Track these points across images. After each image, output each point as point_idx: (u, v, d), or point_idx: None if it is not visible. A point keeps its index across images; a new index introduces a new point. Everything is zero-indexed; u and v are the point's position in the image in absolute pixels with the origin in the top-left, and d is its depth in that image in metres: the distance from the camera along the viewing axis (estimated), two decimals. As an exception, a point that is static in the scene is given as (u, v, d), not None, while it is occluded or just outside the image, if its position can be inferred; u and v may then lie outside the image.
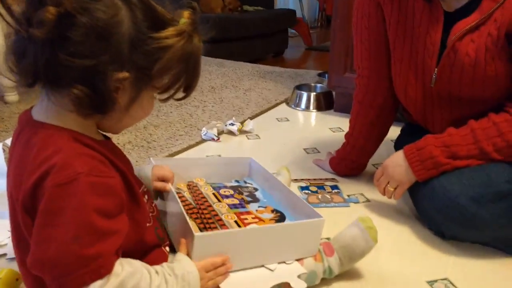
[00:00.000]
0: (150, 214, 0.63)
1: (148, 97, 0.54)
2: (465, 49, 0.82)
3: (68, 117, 0.49)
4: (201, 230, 0.70)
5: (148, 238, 0.61)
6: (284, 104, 1.85)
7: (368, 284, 0.75)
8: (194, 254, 0.61)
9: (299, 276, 0.67)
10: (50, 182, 0.45)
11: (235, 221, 0.74)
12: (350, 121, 1.12)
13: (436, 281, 0.76)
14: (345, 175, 1.16)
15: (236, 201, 0.83)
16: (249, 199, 0.85)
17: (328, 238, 0.77)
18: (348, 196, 1.07)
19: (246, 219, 0.76)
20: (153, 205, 0.67)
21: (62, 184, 0.45)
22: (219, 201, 0.82)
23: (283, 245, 0.69)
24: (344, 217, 0.91)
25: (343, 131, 1.37)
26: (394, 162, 0.90)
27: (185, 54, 0.51)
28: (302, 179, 1.15)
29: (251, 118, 1.64)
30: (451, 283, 0.75)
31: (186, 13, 0.52)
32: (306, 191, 1.08)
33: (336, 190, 1.09)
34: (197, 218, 0.74)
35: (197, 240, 0.61)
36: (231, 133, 1.48)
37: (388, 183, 0.92)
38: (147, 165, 0.78)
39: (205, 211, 0.76)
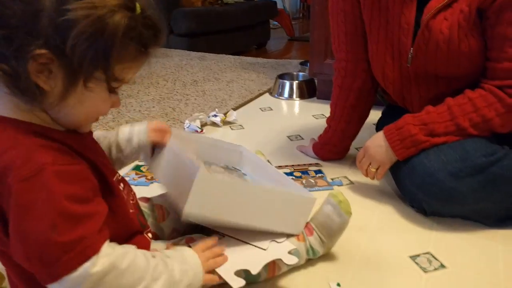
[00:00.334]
0: (131, 202, 0.63)
1: (91, 88, 0.47)
2: (439, 27, 0.83)
3: (22, 108, 0.47)
4: None
5: (131, 225, 0.60)
6: (267, 94, 1.85)
7: (352, 262, 0.76)
8: (192, 193, 0.57)
9: (289, 252, 0.68)
10: (14, 178, 0.44)
11: None
12: (331, 106, 1.12)
13: (418, 255, 0.77)
14: (328, 159, 1.17)
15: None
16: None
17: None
18: (332, 179, 1.08)
19: None
20: (132, 192, 0.66)
21: (28, 178, 0.44)
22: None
23: (275, 212, 0.68)
24: (327, 199, 0.92)
25: (325, 117, 1.38)
26: (375, 143, 0.91)
27: (96, 33, 0.43)
28: (286, 165, 1.15)
29: (234, 109, 1.63)
30: (433, 256, 0.77)
31: None
32: (291, 177, 1.08)
33: (320, 175, 1.10)
34: None
35: (201, 177, 0.57)
36: (214, 124, 1.48)
37: (370, 164, 0.93)
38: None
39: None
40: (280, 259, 0.67)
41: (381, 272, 0.73)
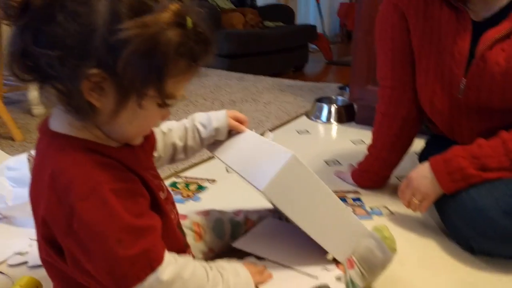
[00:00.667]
0: (174, 219, 0.63)
1: (143, 105, 0.47)
2: (495, 58, 0.79)
3: (77, 126, 0.49)
4: None
5: (177, 242, 0.61)
6: (304, 117, 1.84)
7: (394, 300, 0.71)
8: (279, 173, 0.58)
9: (337, 278, 0.66)
10: (73, 197, 0.46)
11: None
12: (373, 133, 1.09)
13: (466, 298, 0.72)
14: (368, 188, 1.13)
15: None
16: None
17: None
18: (371, 208, 1.04)
19: None
20: (175, 209, 0.66)
21: (86, 197, 0.46)
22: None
23: (334, 228, 0.67)
24: (367, 230, 0.88)
25: (364, 143, 1.35)
26: (419, 174, 0.87)
27: (148, 52, 0.43)
28: (323, 192, 1.12)
29: (271, 130, 1.63)
30: (483, 301, 0.71)
31: (171, 5, 0.45)
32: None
33: (358, 203, 1.06)
34: None
35: (292, 160, 0.59)
36: (251, 145, 1.47)
37: (413, 195, 0.89)
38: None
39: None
40: (326, 285, 0.64)
41: (425, 314, 0.69)
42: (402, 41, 0.96)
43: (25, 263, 0.82)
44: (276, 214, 0.85)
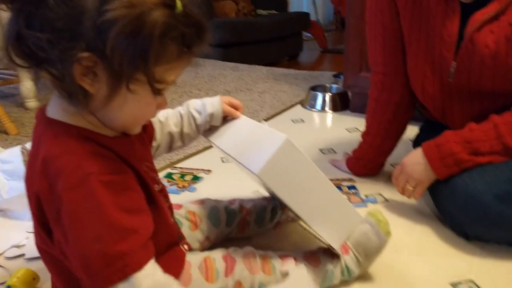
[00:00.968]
0: (169, 210, 0.63)
1: (133, 90, 0.46)
2: (484, 41, 0.79)
3: (73, 112, 0.48)
4: None
5: (171, 236, 0.60)
6: (299, 106, 1.84)
7: (389, 286, 0.72)
8: (272, 156, 0.59)
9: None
10: (61, 185, 0.45)
11: None
12: (367, 120, 1.09)
13: (460, 283, 0.73)
14: (362, 175, 1.13)
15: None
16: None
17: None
18: (366, 196, 1.04)
19: None
20: (169, 200, 0.66)
21: (74, 187, 0.45)
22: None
23: (328, 214, 0.68)
24: (361, 217, 0.89)
25: (359, 131, 1.35)
26: (412, 160, 0.88)
27: (134, 32, 0.42)
28: (318, 180, 1.13)
29: (266, 120, 1.63)
30: (476, 285, 0.72)
31: None
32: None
33: (353, 190, 1.07)
34: None
35: (285, 144, 0.59)
36: (246, 135, 1.47)
37: (407, 181, 0.89)
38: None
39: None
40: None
41: (419, 298, 0.70)
42: (392, 25, 0.95)
43: (22, 255, 0.82)
44: (272, 202, 0.86)
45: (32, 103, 1.81)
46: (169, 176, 1.17)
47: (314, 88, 1.84)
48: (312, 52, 3.81)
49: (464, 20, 0.82)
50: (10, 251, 0.83)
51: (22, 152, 1.02)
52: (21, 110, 1.78)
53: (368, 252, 0.69)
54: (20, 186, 0.94)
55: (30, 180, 0.50)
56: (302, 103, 1.85)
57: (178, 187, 1.11)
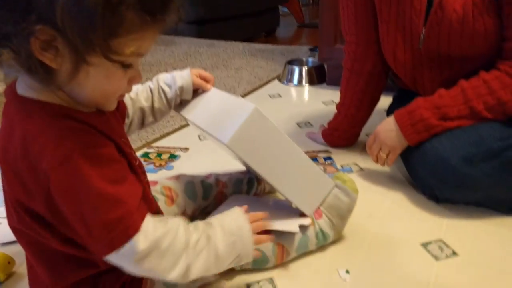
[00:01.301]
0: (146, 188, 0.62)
1: (97, 65, 0.44)
2: (452, 6, 0.80)
3: (38, 88, 0.47)
4: None
5: (151, 209, 0.60)
6: (276, 81, 1.83)
7: (362, 250, 0.75)
8: (241, 126, 0.59)
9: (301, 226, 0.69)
10: (46, 165, 0.45)
11: None
12: (341, 91, 1.10)
13: (430, 243, 0.76)
14: (338, 146, 1.15)
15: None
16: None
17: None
18: (342, 166, 1.06)
19: None
20: (146, 177, 0.65)
21: (60, 165, 0.45)
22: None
23: (299, 181, 0.69)
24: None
25: (335, 103, 1.36)
26: (385, 128, 0.89)
27: (79, 1, 0.40)
28: (295, 152, 1.14)
29: (243, 96, 1.62)
30: (445, 244, 0.75)
31: None
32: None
33: (329, 161, 1.09)
34: None
35: (254, 113, 0.60)
36: (223, 111, 1.46)
37: (380, 149, 0.91)
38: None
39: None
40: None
41: (392, 259, 0.72)
42: None
43: (-5, 241, 0.81)
44: (248, 174, 0.86)
45: None
46: (145, 155, 1.16)
47: (290, 62, 1.83)
48: (290, 27, 3.76)
49: None
50: (-17, 237, 0.82)
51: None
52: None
53: (341, 212, 0.71)
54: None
55: (6, 162, 0.49)
56: (279, 78, 1.84)
57: (155, 166, 1.10)
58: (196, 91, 0.75)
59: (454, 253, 0.73)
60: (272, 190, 0.91)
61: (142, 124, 0.74)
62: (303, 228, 0.69)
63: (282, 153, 0.66)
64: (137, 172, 0.57)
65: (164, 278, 0.51)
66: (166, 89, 0.73)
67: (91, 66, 0.44)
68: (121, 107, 0.65)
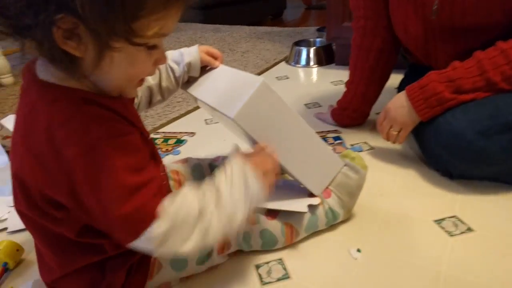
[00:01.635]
0: (161, 173, 0.61)
1: (121, 50, 0.43)
2: (466, -28, 0.75)
3: (62, 76, 0.46)
4: None
5: (167, 194, 0.60)
6: (283, 63, 1.79)
7: (374, 228, 0.73)
8: (249, 99, 0.57)
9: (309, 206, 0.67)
10: (71, 153, 0.44)
11: None
12: (350, 68, 1.07)
13: (444, 219, 0.73)
14: (347, 125, 1.12)
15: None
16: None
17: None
18: (352, 145, 1.03)
19: None
20: (162, 164, 0.64)
21: (84, 154, 0.44)
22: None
23: (308, 159, 0.67)
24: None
25: (345, 83, 1.32)
26: (396, 104, 0.86)
27: None
28: (304, 133, 1.12)
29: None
30: (459, 220, 0.73)
31: None
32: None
33: (339, 141, 1.06)
34: None
35: (261, 87, 0.58)
36: (229, 95, 1.44)
37: (391, 127, 0.88)
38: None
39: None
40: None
41: (404, 237, 0.70)
42: None
43: (5, 229, 0.81)
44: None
45: (7, 79, 1.75)
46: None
47: (297, 43, 1.79)
48: (297, 9, 3.69)
49: None
50: (-7, 225, 0.82)
51: (-3, 127, 1.00)
52: (-4, 86, 1.73)
53: (350, 190, 0.69)
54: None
55: (26, 145, 0.48)
56: (286, 60, 1.80)
57: (162, 151, 1.09)
58: (204, 69, 0.73)
59: (470, 229, 0.70)
60: (280, 171, 0.89)
61: (150, 103, 0.73)
62: (312, 207, 0.68)
63: (290, 129, 0.63)
64: (157, 157, 0.57)
65: (184, 251, 0.49)
66: (174, 66, 0.71)
67: (115, 52, 0.43)
68: None
